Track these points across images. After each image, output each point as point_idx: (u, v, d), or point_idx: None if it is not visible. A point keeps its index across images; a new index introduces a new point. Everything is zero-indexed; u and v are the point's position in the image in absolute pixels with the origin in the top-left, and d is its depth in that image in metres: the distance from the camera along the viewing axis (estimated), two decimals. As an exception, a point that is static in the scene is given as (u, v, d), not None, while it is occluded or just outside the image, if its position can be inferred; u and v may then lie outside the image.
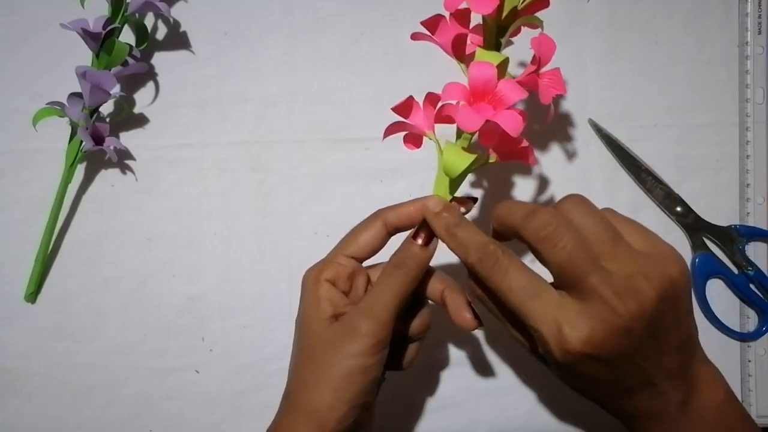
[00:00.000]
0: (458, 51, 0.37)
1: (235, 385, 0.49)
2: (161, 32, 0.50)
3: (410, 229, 0.38)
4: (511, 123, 0.32)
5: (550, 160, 0.50)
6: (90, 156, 0.49)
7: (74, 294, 0.49)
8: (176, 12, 0.50)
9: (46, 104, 0.46)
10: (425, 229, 0.36)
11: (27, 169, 0.49)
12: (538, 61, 0.34)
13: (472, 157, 0.34)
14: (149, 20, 0.50)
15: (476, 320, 0.37)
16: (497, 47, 0.36)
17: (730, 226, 0.50)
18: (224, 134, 0.50)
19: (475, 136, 0.37)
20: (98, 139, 0.47)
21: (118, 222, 0.49)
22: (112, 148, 0.47)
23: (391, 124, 0.38)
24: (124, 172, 0.50)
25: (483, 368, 0.50)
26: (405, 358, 0.40)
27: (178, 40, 0.50)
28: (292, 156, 0.50)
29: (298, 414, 0.36)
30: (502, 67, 0.34)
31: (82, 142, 0.47)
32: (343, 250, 0.38)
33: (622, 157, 0.50)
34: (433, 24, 0.36)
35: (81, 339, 0.49)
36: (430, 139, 0.38)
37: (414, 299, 0.38)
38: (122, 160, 0.50)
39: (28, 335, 0.49)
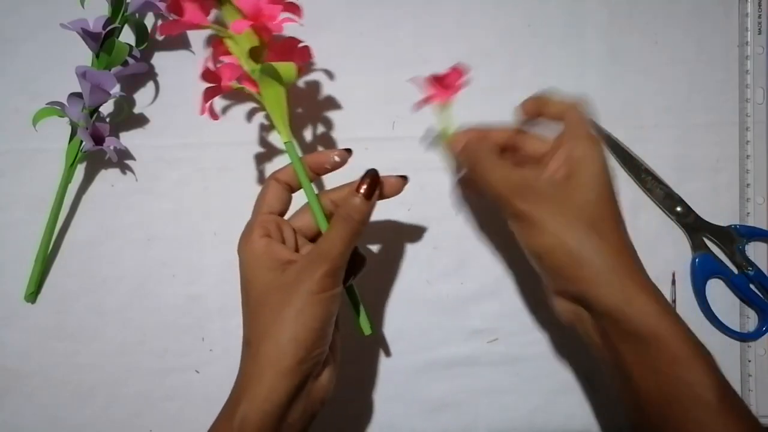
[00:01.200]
0: (203, 18, 0.41)
1: (235, 385, 0.49)
2: (161, 32, 0.50)
3: (299, 186, 0.41)
4: (291, 19, 0.41)
5: (550, 160, 0.50)
6: (90, 156, 0.49)
7: (74, 294, 0.49)
8: (176, 12, 0.50)
9: (46, 104, 0.46)
10: (367, 182, 0.38)
11: (27, 169, 0.49)
12: None
13: (292, 63, 0.40)
14: (149, 20, 0.50)
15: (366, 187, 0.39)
16: None
17: (730, 226, 0.50)
18: (224, 134, 0.50)
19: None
20: (98, 139, 0.47)
21: (118, 222, 0.49)
22: (112, 148, 0.47)
23: (206, 90, 0.42)
24: (124, 172, 0.50)
25: (483, 368, 0.50)
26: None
27: (178, 40, 0.50)
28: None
29: (261, 360, 0.37)
30: None
31: (82, 142, 0.47)
32: (256, 210, 0.41)
33: (622, 157, 0.50)
34: (175, 6, 0.40)
35: (81, 339, 0.49)
36: (236, 87, 0.41)
37: None
38: (122, 160, 0.50)
39: (28, 335, 0.49)
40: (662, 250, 0.50)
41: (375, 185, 0.38)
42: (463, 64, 0.41)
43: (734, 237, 0.49)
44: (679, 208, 0.50)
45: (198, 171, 0.50)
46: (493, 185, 0.39)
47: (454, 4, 0.50)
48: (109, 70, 0.46)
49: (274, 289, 0.38)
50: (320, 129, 0.50)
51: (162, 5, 0.46)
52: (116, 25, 0.46)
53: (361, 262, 0.42)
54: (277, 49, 0.43)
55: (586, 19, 0.51)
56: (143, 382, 0.49)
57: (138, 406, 0.49)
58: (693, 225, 0.50)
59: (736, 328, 0.50)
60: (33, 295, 0.48)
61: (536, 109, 0.42)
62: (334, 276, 0.37)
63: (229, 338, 0.49)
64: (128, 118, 0.50)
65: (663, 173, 0.50)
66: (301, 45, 0.44)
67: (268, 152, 0.50)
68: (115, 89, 0.46)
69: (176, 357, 0.49)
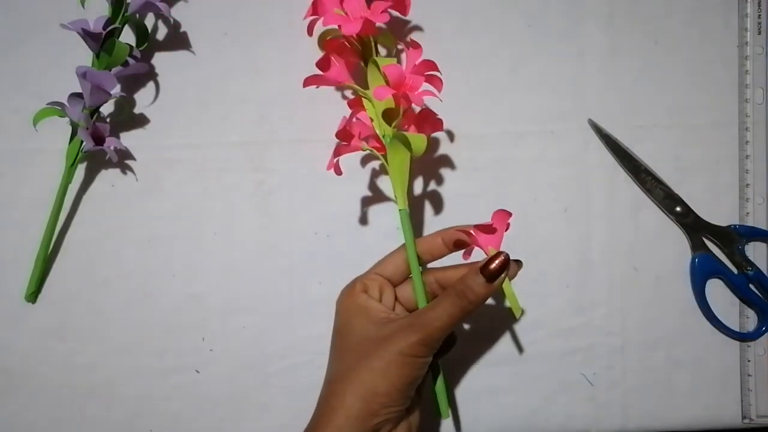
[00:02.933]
0: (348, 77, 0.43)
1: (235, 385, 0.49)
2: (161, 32, 0.50)
3: (432, 260, 0.41)
4: (432, 93, 0.42)
5: (550, 160, 0.50)
6: (90, 156, 0.49)
7: (74, 294, 0.49)
8: (176, 12, 0.50)
9: (46, 104, 0.46)
10: (496, 264, 0.37)
11: (27, 169, 0.49)
12: (418, 47, 0.44)
13: (424, 135, 0.41)
14: (149, 20, 0.50)
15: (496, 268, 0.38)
16: (377, 55, 0.43)
17: (730, 226, 0.50)
18: (224, 134, 0.50)
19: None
20: (98, 139, 0.47)
21: (118, 222, 0.49)
22: (112, 148, 0.47)
23: (338, 147, 0.44)
24: (124, 172, 0.50)
25: (483, 368, 0.50)
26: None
27: (178, 40, 0.50)
28: (292, 156, 0.50)
29: (336, 402, 0.37)
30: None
31: (82, 142, 0.47)
32: (371, 270, 0.42)
33: (622, 157, 0.50)
34: (325, 63, 0.42)
35: (81, 339, 0.49)
36: (364, 150, 0.43)
37: None
38: (122, 160, 0.50)
39: (28, 335, 0.49)
40: (662, 250, 0.50)
41: (503, 269, 0.37)
42: (505, 210, 0.39)
43: (734, 237, 0.49)
44: (678, 208, 0.50)
45: (198, 171, 0.50)
46: None
47: (454, 4, 0.50)
48: (110, 71, 0.46)
49: (368, 340, 0.38)
50: (320, 129, 0.50)
51: (162, 5, 0.46)
52: (116, 25, 0.46)
53: (452, 342, 0.42)
54: (412, 117, 0.44)
55: (586, 19, 0.51)
56: (143, 382, 0.49)
57: (138, 406, 0.49)
58: (693, 225, 0.50)
59: (735, 328, 0.50)
60: (33, 295, 0.48)
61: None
62: (428, 346, 0.37)
63: (229, 338, 0.49)
64: (128, 118, 0.50)
65: (663, 173, 0.50)
66: (436, 117, 0.45)
67: (268, 152, 0.50)
68: (116, 89, 0.46)
69: (176, 357, 0.49)
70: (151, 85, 0.50)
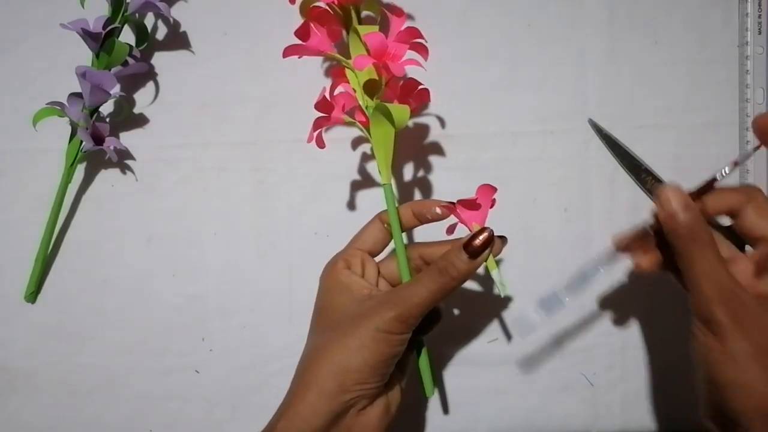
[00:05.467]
0: (330, 47, 0.41)
1: (235, 385, 0.49)
2: (161, 32, 0.50)
3: (404, 229, 0.40)
4: (417, 63, 0.40)
5: (550, 160, 0.50)
6: (90, 156, 0.49)
7: (74, 294, 0.49)
8: (176, 12, 0.50)
9: (46, 104, 0.46)
10: (480, 240, 0.36)
11: (27, 169, 0.49)
12: (401, 14, 0.42)
13: (407, 106, 0.39)
14: (149, 20, 0.50)
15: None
16: (360, 23, 0.41)
17: (730, 226, 0.50)
18: (224, 134, 0.50)
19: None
20: (98, 139, 0.47)
21: (118, 222, 0.49)
22: (112, 148, 0.47)
23: (317, 120, 0.42)
24: (124, 172, 0.50)
25: (483, 368, 0.50)
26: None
27: (178, 40, 0.50)
28: (292, 156, 0.50)
29: (310, 377, 0.36)
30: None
31: (82, 142, 0.47)
32: (350, 244, 0.41)
33: (622, 157, 0.50)
34: (304, 32, 0.41)
35: (81, 339, 0.49)
36: (348, 122, 0.41)
37: None
38: (122, 160, 0.50)
39: (28, 335, 0.49)
40: (662, 250, 0.50)
41: (487, 245, 0.36)
42: (489, 185, 0.39)
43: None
44: (679, 208, 0.50)
45: (198, 171, 0.50)
46: (701, 281, 0.34)
47: (454, 4, 0.50)
48: (109, 70, 0.46)
49: (346, 316, 0.37)
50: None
51: (162, 5, 0.46)
52: (116, 25, 0.46)
53: (436, 318, 0.41)
54: (395, 88, 0.42)
55: (586, 19, 0.51)
56: (143, 382, 0.49)
57: (138, 406, 0.49)
58: (693, 225, 0.50)
59: (736, 328, 0.50)
60: (33, 295, 0.48)
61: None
62: (404, 322, 0.36)
63: (229, 338, 0.49)
64: (128, 118, 0.50)
65: (663, 173, 0.50)
66: (420, 88, 0.43)
67: (268, 152, 0.50)
68: (115, 89, 0.46)
69: (176, 357, 0.49)
70: (150, 84, 0.50)
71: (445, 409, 0.49)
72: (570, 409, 0.49)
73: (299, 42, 0.40)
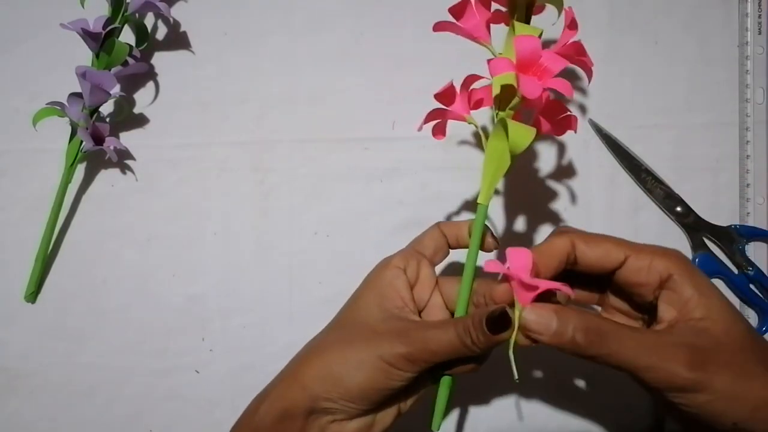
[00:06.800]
0: (485, 34, 0.37)
1: (235, 385, 0.49)
2: (161, 32, 0.50)
3: (457, 246, 0.39)
4: (564, 88, 0.33)
5: (550, 160, 0.50)
6: (90, 156, 0.49)
7: (74, 294, 0.49)
8: (176, 12, 0.50)
9: (46, 104, 0.46)
10: (499, 324, 0.33)
11: (27, 169, 0.49)
12: (575, 27, 0.36)
13: (533, 130, 0.33)
14: (149, 20, 0.50)
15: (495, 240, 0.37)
16: (528, 22, 0.36)
17: (730, 226, 0.50)
18: (224, 134, 0.50)
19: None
20: (98, 139, 0.47)
21: (118, 222, 0.49)
22: (112, 148, 0.47)
23: (433, 111, 0.37)
24: (124, 172, 0.50)
25: (483, 368, 0.49)
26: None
27: (178, 40, 0.50)
28: (292, 156, 0.50)
29: (298, 370, 0.36)
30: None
31: (82, 142, 0.47)
32: (411, 245, 0.39)
33: (622, 157, 0.50)
34: (459, 10, 0.36)
35: (81, 339, 0.49)
36: (470, 123, 0.38)
37: None
38: (122, 160, 0.50)
39: (28, 335, 0.49)
40: (662, 250, 0.50)
41: (502, 326, 0.33)
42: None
43: (734, 237, 0.49)
44: (679, 208, 0.50)
45: (198, 171, 0.50)
46: (638, 369, 0.32)
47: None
48: (109, 70, 0.46)
49: (363, 326, 0.36)
50: (320, 129, 0.50)
51: (162, 5, 0.46)
52: (116, 25, 0.46)
53: (475, 367, 0.37)
54: (540, 106, 0.36)
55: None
56: (143, 382, 0.49)
57: (138, 406, 0.49)
58: (693, 225, 0.50)
59: (736, 328, 0.50)
60: (33, 295, 0.48)
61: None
62: (413, 363, 0.34)
63: (229, 338, 0.49)
64: (128, 118, 0.50)
65: (663, 173, 0.50)
66: (565, 114, 0.37)
67: (268, 152, 0.50)
68: (115, 89, 0.46)
69: (176, 357, 0.49)
70: (150, 84, 0.50)
71: (458, 428, 0.49)
72: (570, 409, 0.49)
73: (451, 20, 0.36)
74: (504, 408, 0.49)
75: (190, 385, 0.49)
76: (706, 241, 0.50)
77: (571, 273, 0.36)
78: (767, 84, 0.50)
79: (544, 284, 0.32)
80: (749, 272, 0.49)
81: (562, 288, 0.32)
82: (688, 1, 0.51)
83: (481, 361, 0.36)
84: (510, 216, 0.49)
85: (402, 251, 0.39)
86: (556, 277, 0.35)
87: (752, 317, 0.50)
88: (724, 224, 0.50)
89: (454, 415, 0.49)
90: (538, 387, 0.49)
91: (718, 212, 0.50)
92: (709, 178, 0.50)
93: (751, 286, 0.49)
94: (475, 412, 0.49)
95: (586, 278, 0.37)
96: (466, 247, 0.37)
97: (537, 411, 0.49)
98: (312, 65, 0.50)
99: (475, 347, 0.34)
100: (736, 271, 0.50)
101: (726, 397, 0.32)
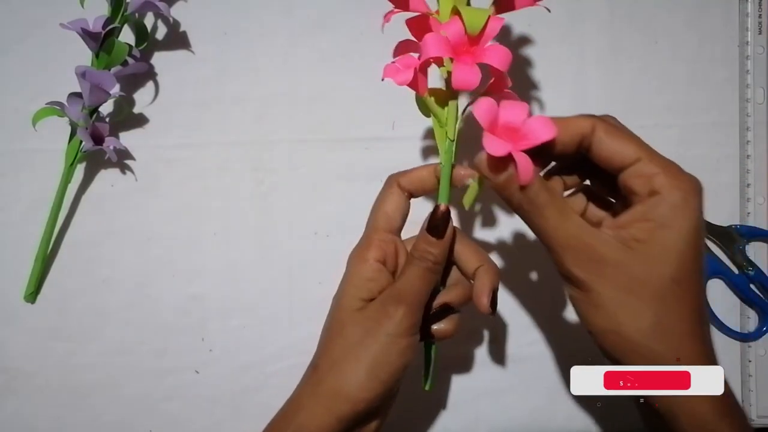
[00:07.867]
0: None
1: (235, 385, 0.49)
2: (161, 32, 0.50)
3: (423, 194, 0.39)
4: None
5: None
6: (90, 156, 0.49)
7: (74, 294, 0.49)
8: (176, 12, 0.50)
9: (46, 104, 0.46)
10: (436, 224, 0.35)
11: (27, 169, 0.49)
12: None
13: (487, 10, 0.34)
14: (149, 20, 0.50)
15: (491, 308, 0.37)
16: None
17: (731, 226, 0.50)
18: (224, 134, 0.50)
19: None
20: (98, 139, 0.47)
21: (118, 222, 0.49)
22: (111, 148, 0.47)
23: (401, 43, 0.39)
24: (124, 172, 0.50)
25: (483, 368, 0.50)
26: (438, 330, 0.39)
27: (178, 40, 0.50)
28: (292, 156, 0.50)
29: (321, 391, 0.36)
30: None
31: (81, 142, 0.47)
32: (377, 224, 0.38)
33: (622, 157, 0.50)
34: None
35: (81, 339, 0.49)
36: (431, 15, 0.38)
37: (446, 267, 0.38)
38: (122, 160, 0.50)
39: (28, 335, 0.49)
40: (662, 250, 0.50)
41: (446, 220, 0.35)
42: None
43: (734, 237, 0.49)
44: (679, 208, 0.50)
45: (198, 171, 0.50)
46: (551, 242, 0.33)
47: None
48: (109, 70, 0.46)
49: (354, 321, 0.36)
50: (320, 129, 0.50)
51: (162, 5, 0.46)
52: (116, 24, 0.46)
53: (446, 311, 0.38)
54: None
55: (587, 18, 0.51)
56: (143, 383, 0.49)
57: (138, 406, 0.49)
58: (693, 225, 0.50)
59: (736, 328, 0.50)
60: (33, 295, 0.48)
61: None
62: (413, 317, 0.35)
63: (229, 338, 0.49)
64: (128, 118, 0.50)
65: (663, 173, 0.50)
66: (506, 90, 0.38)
67: (268, 152, 0.50)
68: (115, 89, 0.46)
69: (176, 357, 0.49)
70: (150, 84, 0.50)
71: (444, 405, 0.49)
72: (570, 409, 0.49)
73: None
74: (504, 408, 0.49)
75: (190, 385, 0.49)
76: (707, 241, 0.50)
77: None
78: (767, 84, 0.50)
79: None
80: (749, 272, 0.49)
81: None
82: (689, 0, 0.51)
83: (455, 310, 0.38)
84: (510, 216, 0.49)
85: (374, 237, 0.38)
86: (568, 162, 0.36)
87: (753, 317, 0.50)
88: (725, 224, 0.50)
89: (455, 414, 0.49)
90: (538, 387, 0.49)
91: (719, 212, 0.50)
92: (710, 178, 0.50)
93: (752, 286, 0.49)
94: (475, 412, 0.49)
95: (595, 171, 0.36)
96: (433, 191, 0.38)
97: (537, 411, 0.49)
98: (312, 65, 0.50)
99: (436, 261, 0.35)
100: (736, 271, 0.50)
101: (608, 314, 0.32)
